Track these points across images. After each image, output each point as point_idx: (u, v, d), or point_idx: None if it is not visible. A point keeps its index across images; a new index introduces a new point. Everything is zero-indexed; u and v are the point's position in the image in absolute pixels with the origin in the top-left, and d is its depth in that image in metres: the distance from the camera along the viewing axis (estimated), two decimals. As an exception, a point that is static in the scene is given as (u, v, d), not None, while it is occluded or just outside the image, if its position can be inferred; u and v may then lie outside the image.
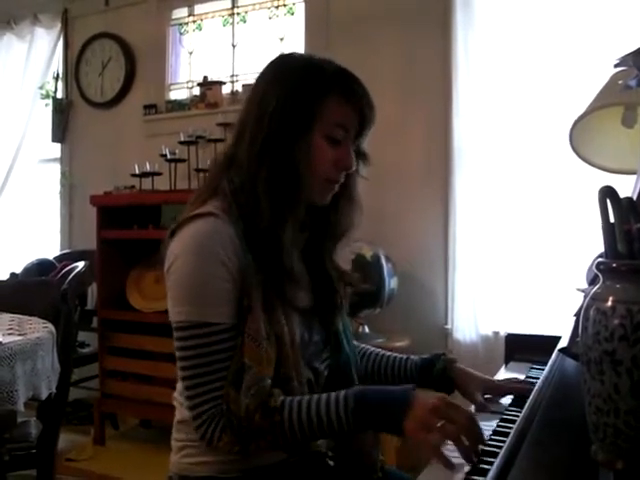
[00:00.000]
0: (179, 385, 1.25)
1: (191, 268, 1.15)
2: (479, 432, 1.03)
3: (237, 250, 1.15)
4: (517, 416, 1.15)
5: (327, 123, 1.21)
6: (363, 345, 1.54)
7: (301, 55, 1.33)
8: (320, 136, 1.22)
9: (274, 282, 1.18)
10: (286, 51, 1.38)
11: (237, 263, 1.15)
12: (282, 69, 1.27)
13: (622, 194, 0.69)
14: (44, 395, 2.01)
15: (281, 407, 1.11)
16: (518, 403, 1.33)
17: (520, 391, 1.39)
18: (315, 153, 1.21)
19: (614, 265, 0.65)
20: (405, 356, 1.49)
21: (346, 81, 1.24)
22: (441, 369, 1.41)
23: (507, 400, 1.39)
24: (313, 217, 1.31)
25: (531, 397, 1.09)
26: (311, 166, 1.21)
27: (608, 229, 0.67)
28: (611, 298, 0.64)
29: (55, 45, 4.48)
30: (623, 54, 1.51)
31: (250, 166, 1.21)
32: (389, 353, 1.51)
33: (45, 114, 4.51)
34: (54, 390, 2.08)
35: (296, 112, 1.20)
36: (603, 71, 1.58)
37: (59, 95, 4.51)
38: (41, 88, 4.50)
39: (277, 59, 1.30)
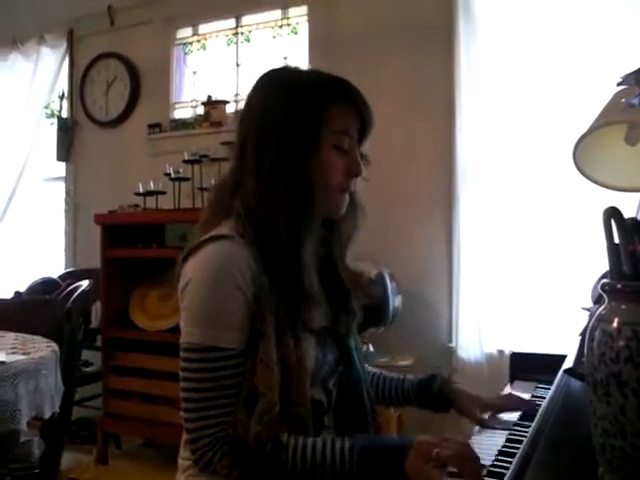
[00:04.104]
0: None
1: (206, 291, 1.14)
2: (474, 455, 1.05)
3: (253, 273, 1.14)
4: (523, 436, 1.15)
5: (333, 133, 1.21)
6: None
7: (291, 68, 1.32)
8: (328, 146, 1.21)
9: (291, 304, 1.17)
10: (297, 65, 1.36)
11: (252, 286, 1.13)
12: (276, 84, 1.26)
13: (627, 212, 0.69)
14: (47, 414, 2.01)
15: (286, 446, 1.10)
16: (524, 423, 1.32)
17: (516, 406, 1.41)
18: (326, 165, 1.21)
19: (619, 286, 0.65)
20: (402, 376, 1.49)
21: (343, 87, 1.25)
22: (438, 388, 1.43)
23: (513, 417, 1.38)
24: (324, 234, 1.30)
25: (537, 417, 1.08)
26: (324, 178, 1.21)
27: (613, 250, 0.67)
28: (616, 320, 0.64)
29: (60, 64, 4.51)
30: (626, 72, 1.52)
31: (260, 186, 1.19)
32: (386, 373, 1.51)
33: (50, 133, 4.53)
34: (57, 409, 2.07)
35: (302, 126, 1.19)
36: (606, 87, 1.58)
37: (64, 114, 4.54)
38: (46, 107, 4.54)
39: (267, 75, 1.29)
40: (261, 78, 1.29)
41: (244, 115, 1.28)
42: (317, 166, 1.20)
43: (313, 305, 1.21)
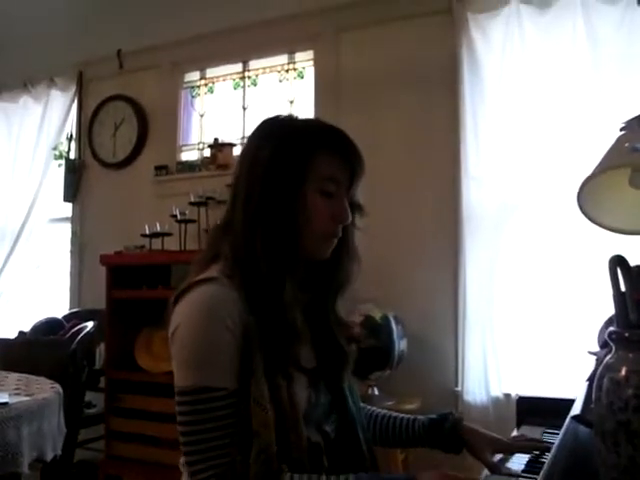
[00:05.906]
0: None
1: (195, 333, 1.14)
2: None
3: (241, 313, 1.15)
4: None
5: (318, 178, 1.23)
6: (369, 407, 1.52)
7: (286, 116, 1.35)
8: (313, 192, 1.23)
9: (277, 343, 1.17)
10: (293, 113, 1.40)
11: (241, 327, 1.14)
12: (269, 131, 1.29)
13: (633, 255, 0.69)
14: (49, 457, 1.99)
15: None
16: (532, 469, 1.31)
17: (530, 448, 1.39)
18: (311, 209, 1.22)
19: (626, 335, 0.65)
20: (412, 417, 1.48)
21: (332, 135, 1.27)
22: (449, 428, 1.41)
23: (521, 465, 1.36)
24: (313, 275, 1.32)
25: (545, 465, 1.07)
26: (308, 223, 1.22)
27: (619, 298, 0.67)
28: (624, 368, 0.63)
29: (70, 107, 4.56)
30: (628, 118, 1.53)
31: (245, 228, 1.21)
32: (396, 414, 1.50)
33: (57, 174, 4.57)
34: (59, 452, 2.05)
35: (287, 171, 1.21)
36: (611, 131, 1.59)
37: (72, 155, 4.58)
38: (55, 149, 4.58)
39: (263, 122, 1.32)
40: (260, 124, 1.32)
41: (240, 158, 1.32)
42: (301, 210, 1.22)
43: (298, 340, 1.21)
